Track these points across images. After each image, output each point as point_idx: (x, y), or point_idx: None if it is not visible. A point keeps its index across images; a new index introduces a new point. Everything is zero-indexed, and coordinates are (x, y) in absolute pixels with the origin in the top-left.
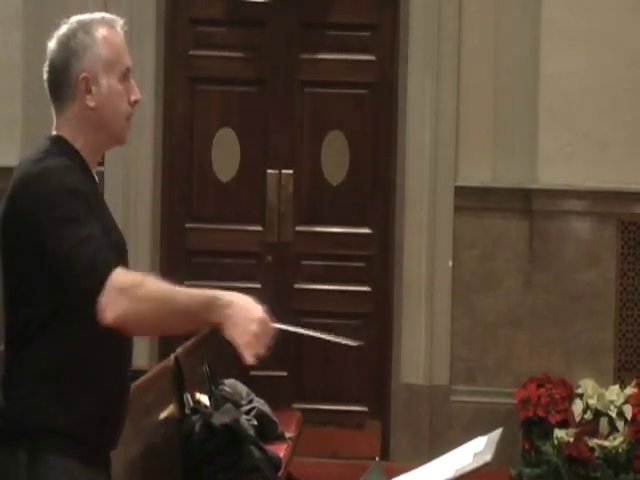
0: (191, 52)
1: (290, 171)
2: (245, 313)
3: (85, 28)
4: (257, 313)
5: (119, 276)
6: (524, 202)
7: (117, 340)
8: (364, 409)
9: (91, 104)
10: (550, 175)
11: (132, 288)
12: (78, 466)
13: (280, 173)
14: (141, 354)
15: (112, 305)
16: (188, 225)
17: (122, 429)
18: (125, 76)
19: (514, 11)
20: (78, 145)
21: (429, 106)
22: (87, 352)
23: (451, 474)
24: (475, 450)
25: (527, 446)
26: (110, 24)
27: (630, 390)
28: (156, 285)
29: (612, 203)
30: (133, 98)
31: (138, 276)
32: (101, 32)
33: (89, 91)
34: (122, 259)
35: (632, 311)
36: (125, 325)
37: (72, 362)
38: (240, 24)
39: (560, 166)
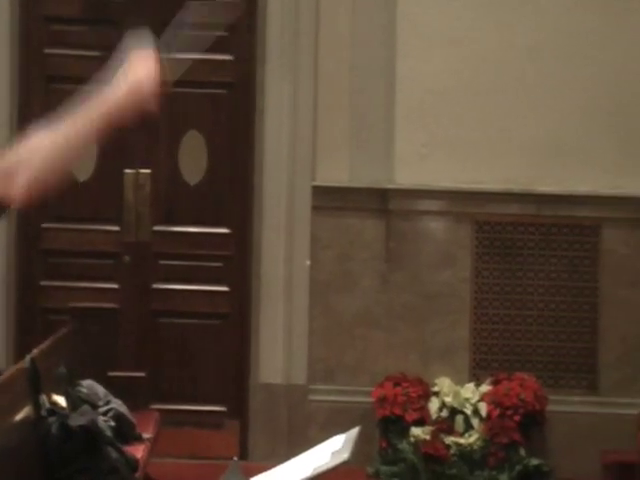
0: (46, 51)
1: (147, 170)
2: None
3: None
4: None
5: None
6: (381, 202)
7: None
8: (222, 409)
9: None
10: (406, 175)
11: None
12: None
13: (137, 173)
14: None
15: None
16: (44, 225)
17: None
18: None
19: (371, 11)
20: None
21: (286, 106)
22: None
23: (309, 473)
24: (333, 449)
25: (384, 444)
26: None
27: (485, 388)
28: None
29: (467, 203)
30: None
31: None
32: None
33: None
34: None
35: (487, 310)
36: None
37: None
38: (95, 23)
39: (416, 166)
